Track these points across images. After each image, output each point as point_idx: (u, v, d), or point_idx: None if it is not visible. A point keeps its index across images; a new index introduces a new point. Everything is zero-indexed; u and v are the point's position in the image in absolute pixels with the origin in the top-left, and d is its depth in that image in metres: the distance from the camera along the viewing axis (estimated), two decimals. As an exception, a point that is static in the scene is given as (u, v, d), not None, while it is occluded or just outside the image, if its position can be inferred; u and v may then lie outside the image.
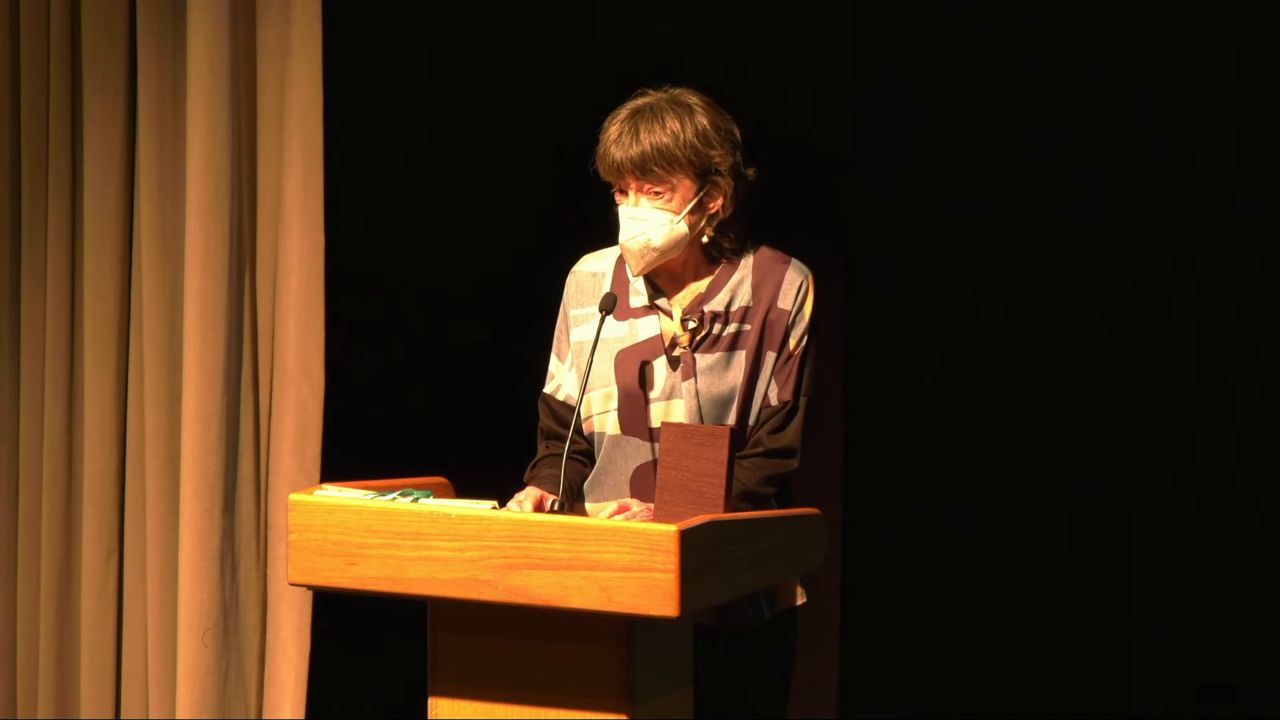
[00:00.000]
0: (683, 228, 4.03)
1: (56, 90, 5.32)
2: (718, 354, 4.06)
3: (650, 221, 4.01)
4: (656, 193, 4.00)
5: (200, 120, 5.14)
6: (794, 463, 4.05)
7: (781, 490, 4.06)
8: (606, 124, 4.04)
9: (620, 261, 4.14)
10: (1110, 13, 5.33)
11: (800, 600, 4.12)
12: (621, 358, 4.08)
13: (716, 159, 4.02)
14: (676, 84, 4.08)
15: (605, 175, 4.04)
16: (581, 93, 5.48)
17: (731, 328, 4.07)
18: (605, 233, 4.11)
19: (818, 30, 5.45)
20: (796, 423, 4.06)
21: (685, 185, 4.02)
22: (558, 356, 4.18)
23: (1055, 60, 5.38)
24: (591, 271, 4.17)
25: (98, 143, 5.29)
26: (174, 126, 5.24)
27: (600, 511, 4.06)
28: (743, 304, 4.07)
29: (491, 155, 5.65)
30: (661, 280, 4.11)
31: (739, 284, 4.08)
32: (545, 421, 4.17)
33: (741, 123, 4.08)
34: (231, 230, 5.17)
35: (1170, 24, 5.28)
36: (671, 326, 4.08)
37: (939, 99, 5.47)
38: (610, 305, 4.04)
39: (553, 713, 3.72)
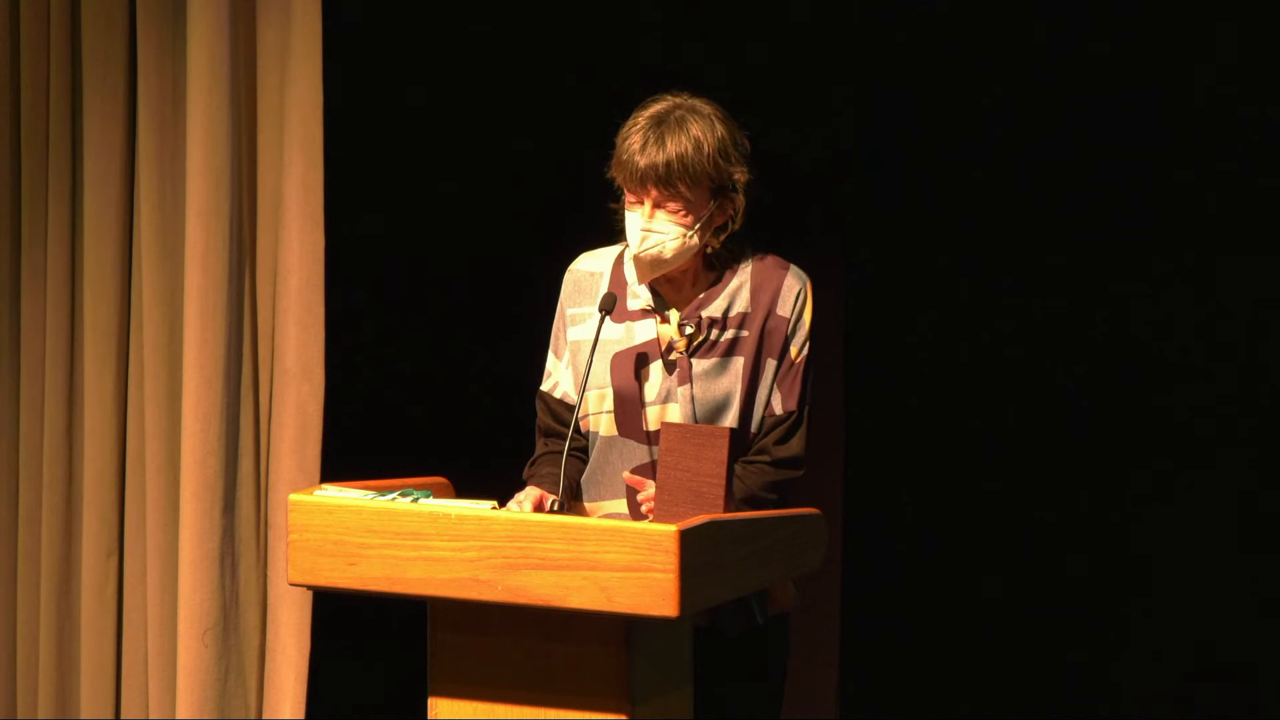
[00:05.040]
0: (695, 241, 4.00)
1: (56, 89, 5.32)
2: (714, 359, 4.05)
3: (665, 235, 3.98)
4: (675, 208, 3.98)
5: (200, 120, 5.14)
6: (800, 473, 4.05)
7: (783, 497, 4.06)
8: (626, 130, 3.99)
9: (619, 261, 4.12)
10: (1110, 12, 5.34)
11: (793, 603, 4.12)
12: (617, 360, 4.07)
13: (736, 175, 3.99)
14: (679, 88, 4.06)
15: (625, 183, 3.99)
16: (580, 92, 5.48)
17: (729, 334, 4.05)
18: (605, 231, 4.10)
19: (820, 38, 5.46)
20: (802, 433, 4.05)
21: (703, 200, 4.00)
22: (555, 354, 4.17)
23: (1053, 65, 5.39)
24: (589, 271, 4.16)
25: (98, 142, 5.29)
26: (174, 126, 5.24)
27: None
28: (741, 310, 4.06)
29: (492, 154, 5.64)
30: (661, 285, 4.10)
31: (737, 290, 4.07)
32: (543, 419, 4.17)
33: (745, 131, 4.07)
34: (231, 230, 5.17)
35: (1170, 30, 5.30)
36: (668, 330, 4.07)
37: (939, 104, 5.47)
38: (610, 305, 4.03)
39: (552, 713, 3.71)
